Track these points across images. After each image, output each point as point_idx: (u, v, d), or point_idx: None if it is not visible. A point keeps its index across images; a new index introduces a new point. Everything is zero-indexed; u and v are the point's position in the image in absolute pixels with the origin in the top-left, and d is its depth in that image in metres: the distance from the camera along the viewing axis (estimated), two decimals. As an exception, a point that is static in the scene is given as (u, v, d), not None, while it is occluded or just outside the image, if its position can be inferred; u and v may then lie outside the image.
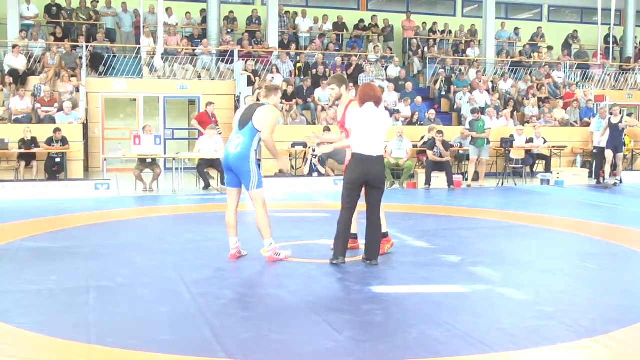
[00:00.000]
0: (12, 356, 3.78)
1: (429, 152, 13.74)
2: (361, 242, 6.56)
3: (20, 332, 4.19)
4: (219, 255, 6.41)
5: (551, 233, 8.27)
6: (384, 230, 6.52)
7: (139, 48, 17.66)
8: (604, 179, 14.42)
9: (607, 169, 14.33)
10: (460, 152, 15.14)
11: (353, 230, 6.55)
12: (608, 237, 7.89)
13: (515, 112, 17.83)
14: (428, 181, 13.54)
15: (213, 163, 12.96)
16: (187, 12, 19.46)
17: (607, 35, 21.60)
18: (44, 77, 15.38)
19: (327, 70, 17.59)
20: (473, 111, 14.39)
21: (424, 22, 22.14)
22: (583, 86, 20.20)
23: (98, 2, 19.00)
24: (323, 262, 6.25)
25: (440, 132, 13.81)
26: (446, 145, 13.80)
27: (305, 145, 14.50)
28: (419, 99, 17.25)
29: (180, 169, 12.67)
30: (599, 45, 21.12)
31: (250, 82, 16.26)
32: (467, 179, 14.26)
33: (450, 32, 22.18)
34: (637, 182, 15.10)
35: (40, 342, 4.04)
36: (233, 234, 6.27)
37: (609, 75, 21.00)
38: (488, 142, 14.33)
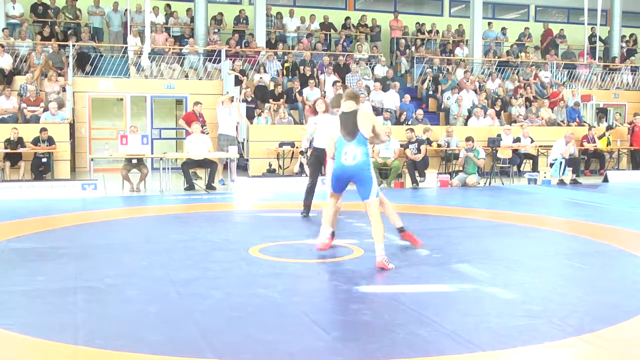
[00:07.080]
0: (-1, 358, 3.75)
1: (407, 151, 13.80)
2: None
3: (6, 333, 4.15)
4: (207, 256, 6.39)
5: (538, 232, 8.31)
6: (399, 225, 6.96)
7: (126, 47, 17.57)
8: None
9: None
10: (448, 152, 15.19)
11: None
12: (595, 235, 7.94)
13: (502, 112, 17.91)
14: (414, 180, 13.58)
15: (201, 163, 12.91)
16: (174, 12, 19.39)
17: (593, 35, 21.72)
18: (30, 77, 15.25)
19: (315, 70, 17.59)
20: (467, 139, 14.27)
21: (417, 23, 22.18)
22: (570, 86, 20.31)
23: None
24: (311, 262, 6.27)
25: (411, 129, 13.85)
26: (420, 141, 13.92)
27: (292, 145, 14.50)
28: (407, 97, 17.31)
29: (168, 169, 12.61)
30: (585, 45, 21.25)
31: (237, 82, 16.23)
32: (454, 177, 14.31)
33: (437, 32, 22.25)
34: (623, 182, 15.23)
35: (27, 343, 4.01)
36: (328, 224, 6.56)
37: (595, 74, 21.15)
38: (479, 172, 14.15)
